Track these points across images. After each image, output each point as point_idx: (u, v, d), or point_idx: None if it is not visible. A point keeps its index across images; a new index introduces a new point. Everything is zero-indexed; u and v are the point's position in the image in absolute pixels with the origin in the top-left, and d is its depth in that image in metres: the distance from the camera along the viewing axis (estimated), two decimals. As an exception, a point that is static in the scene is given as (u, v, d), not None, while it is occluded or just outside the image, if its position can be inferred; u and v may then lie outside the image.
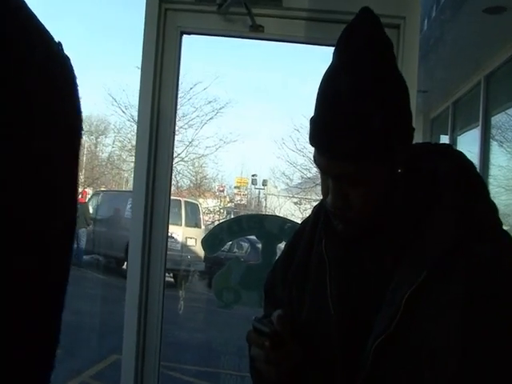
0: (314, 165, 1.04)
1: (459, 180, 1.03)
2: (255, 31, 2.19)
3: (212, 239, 2.68)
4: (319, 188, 1.10)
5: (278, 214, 12.24)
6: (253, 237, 2.80)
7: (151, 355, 2.22)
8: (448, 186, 1.03)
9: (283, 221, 2.77)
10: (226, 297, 2.61)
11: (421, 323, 0.95)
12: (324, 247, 1.13)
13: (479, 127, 5.51)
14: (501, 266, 0.94)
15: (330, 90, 0.99)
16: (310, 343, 1.09)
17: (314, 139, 1.01)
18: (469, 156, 1.10)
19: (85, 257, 12.97)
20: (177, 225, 11.38)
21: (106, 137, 21.67)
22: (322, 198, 1.10)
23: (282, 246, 2.55)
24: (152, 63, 2.16)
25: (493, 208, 1.03)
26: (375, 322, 0.99)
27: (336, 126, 0.96)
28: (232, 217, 11.96)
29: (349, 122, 0.95)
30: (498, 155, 5.32)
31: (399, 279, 0.99)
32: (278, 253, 2.45)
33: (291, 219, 2.82)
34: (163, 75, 2.20)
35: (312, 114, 1.02)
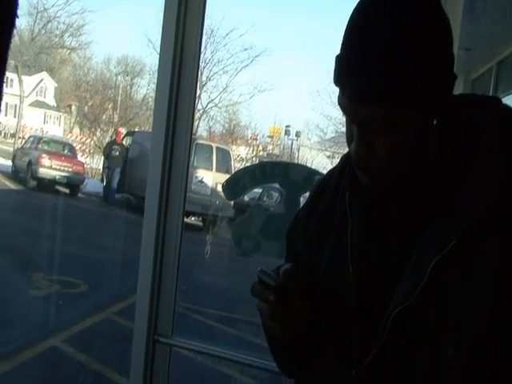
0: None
1: (507, 138, 0.92)
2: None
3: (233, 183, 2.62)
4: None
5: (310, 166, 12.19)
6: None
7: (167, 296, 2.19)
8: (493, 144, 0.92)
9: (309, 170, 2.70)
10: (245, 244, 2.57)
11: (446, 296, 0.87)
12: (348, 199, 1.03)
13: (524, 92, 5.24)
14: None
15: (360, 27, 0.88)
16: (325, 301, 1.02)
17: (339, 79, 0.91)
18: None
19: (116, 195, 13.22)
20: (207, 169, 11.47)
21: (141, 78, 21.74)
22: None
23: (306, 195, 2.49)
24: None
25: None
26: (396, 289, 0.91)
27: (364, 66, 0.86)
28: (264, 166, 11.97)
29: (379, 64, 0.85)
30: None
31: (426, 244, 0.90)
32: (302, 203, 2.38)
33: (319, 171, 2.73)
34: (188, 7, 2.08)
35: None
